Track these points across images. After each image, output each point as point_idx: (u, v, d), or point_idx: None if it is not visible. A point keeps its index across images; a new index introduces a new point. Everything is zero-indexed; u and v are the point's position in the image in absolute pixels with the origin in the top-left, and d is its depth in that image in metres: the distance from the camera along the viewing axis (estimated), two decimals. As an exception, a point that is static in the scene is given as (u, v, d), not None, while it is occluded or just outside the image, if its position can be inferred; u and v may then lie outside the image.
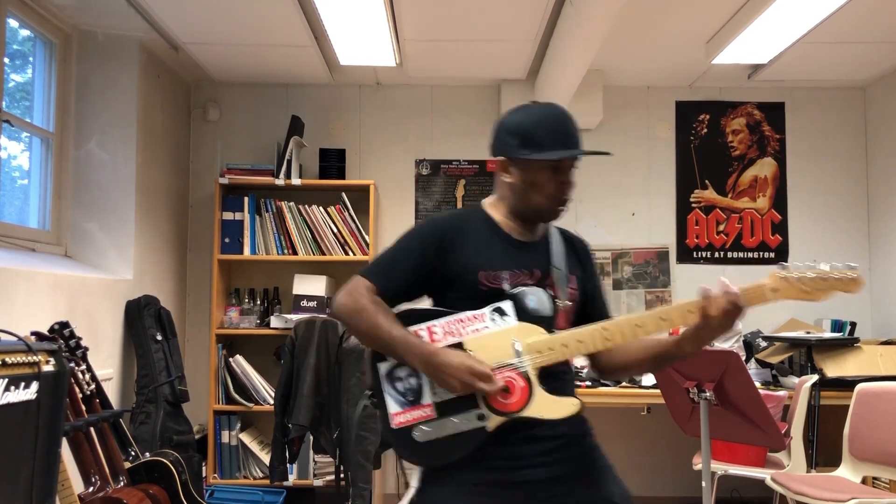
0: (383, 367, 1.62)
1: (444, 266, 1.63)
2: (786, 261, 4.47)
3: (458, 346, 1.58)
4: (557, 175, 1.65)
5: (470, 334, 1.59)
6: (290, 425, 3.34)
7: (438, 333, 1.60)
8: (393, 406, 1.59)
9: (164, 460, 2.70)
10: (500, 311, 1.60)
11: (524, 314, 1.60)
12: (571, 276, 1.71)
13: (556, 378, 1.60)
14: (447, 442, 1.56)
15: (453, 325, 1.60)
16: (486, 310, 1.59)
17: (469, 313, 1.59)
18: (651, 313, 1.57)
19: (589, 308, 1.77)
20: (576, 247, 1.81)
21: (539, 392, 1.56)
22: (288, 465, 3.49)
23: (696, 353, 1.62)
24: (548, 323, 1.61)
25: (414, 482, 1.63)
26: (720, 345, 3.84)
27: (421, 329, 1.60)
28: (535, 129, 1.64)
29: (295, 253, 4.16)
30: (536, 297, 1.62)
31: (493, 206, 1.75)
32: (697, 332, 1.56)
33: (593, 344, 1.59)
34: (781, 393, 3.47)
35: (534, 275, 1.65)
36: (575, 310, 1.71)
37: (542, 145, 1.63)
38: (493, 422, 1.55)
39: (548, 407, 1.56)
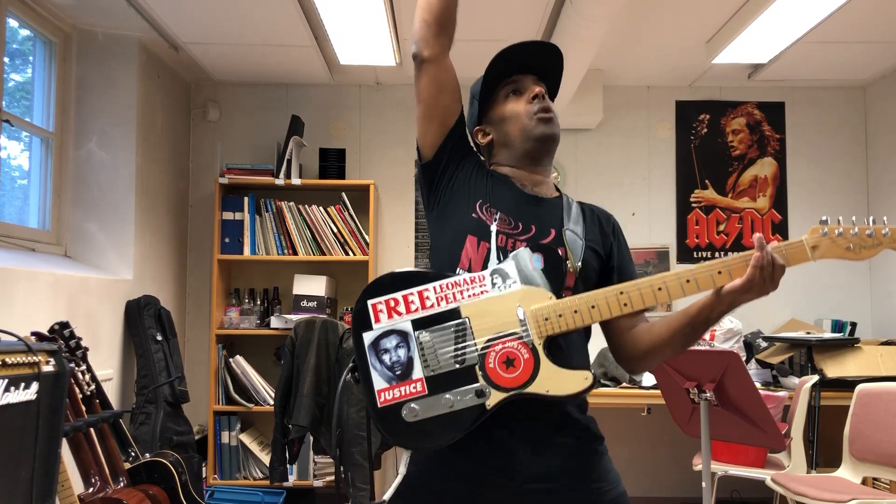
0: (367, 337, 1.42)
1: (458, 166, 1.57)
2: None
3: (454, 312, 1.40)
4: (519, 97, 1.58)
5: (467, 299, 1.41)
6: (290, 426, 3.34)
7: (431, 299, 1.42)
8: (379, 381, 1.40)
9: (164, 461, 2.70)
10: (503, 274, 1.41)
11: (529, 278, 1.41)
12: (585, 244, 1.54)
13: (567, 350, 1.44)
14: (439, 421, 1.37)
15: (448, 289, 1.42)
16: (486, 272, 1.42)
17: (467, 276, 1.42)
18: (673, 275, 1.41)
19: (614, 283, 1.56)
20: (597, 215, 1.64)
21: (546, 365, 1.37)
22: (288, 465, 3.49)
23: (721, 315, 1.43)
24: (556, 287, 1.41)
25: (402, 468, 1.45)
26: (720, 345, 3.85)
27: (411, 294, 1.42)
28: (479, 80, 1.62)
29: (295, 253, 4.16)
30: (541, 257, 1.42)
31: (499, 168, 1.65)
32: (733, 294, 1.38)
33: (608, 309, 1.41)
34: (782, 393, 3.47)
35: (529, 230, 1.50)
36: (589, 281, 1.53)
37: (483, 81, 1.60)
38: (494, 398, 1.36)
39: (555, 381, 1.36)
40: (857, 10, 3.32)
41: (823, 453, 3.54)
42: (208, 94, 4.49)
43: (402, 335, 1.42)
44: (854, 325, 4.17)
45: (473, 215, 1.50)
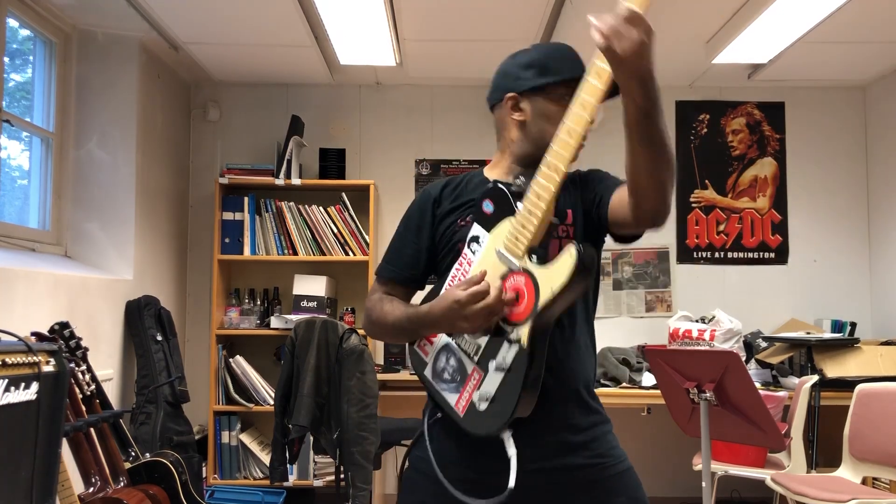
0: (429, 372, 1.51)
1: (437, 226, 1.58)
2: (786, 262, 4.47)
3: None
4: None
5: (463, 276, 1.47)
6: (290, 426, 3.34)
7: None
8: (451, 397, 1.45)
9: (165, 461, 2.70)
10: (475, 239, 1.46)
11: (489, 222, 1.45)
12: (567, 211, 1.54)
13: (547, 251, 1.42)
14: (502, 392, 1.38)
15: (450, 283, 1.50)
16: (464, 248, 1.48)
17: (456, 264, 1.49)
18: (573, 102, 1.42)
19: (607, 198, 1.54)
20: (576, 182, 1.61)
21: (537, 272, 1.36)
22: (288, 465, 3.48)
23: (645, 96, 1.36)
24: (509, 212, 1.42)
25: (511, 450, 1.39)
26: (720, 345, 3.85)
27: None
28: (549, 59, 1.55)
29: (295, 253, 4.16)
30: (490, 200, 1.45)
31: (492, 167, 1.64)
32: (617, 75, 1.35)
33: (560, 160, 1.38)
34: (781, 393, 3.47)
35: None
36: (577, 232, 1.54)
37: (561, 71, 1.52)
38: (522, 334, 1.36)
39: (550, 278, 1.34)
40: (857, 10, 3.32)
41: (823, 453, 3.54)
42: (208, 94, 4.49)
43: (446, 348, 1.50)
44: (854, 325, 4.17)
45: (456, 230, 1.55)
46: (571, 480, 1.48)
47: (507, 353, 1.38)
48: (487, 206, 1.46)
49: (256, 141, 4.47)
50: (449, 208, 1.59)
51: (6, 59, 3.11)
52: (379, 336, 1.65)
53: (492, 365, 1.40)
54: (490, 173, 1.63)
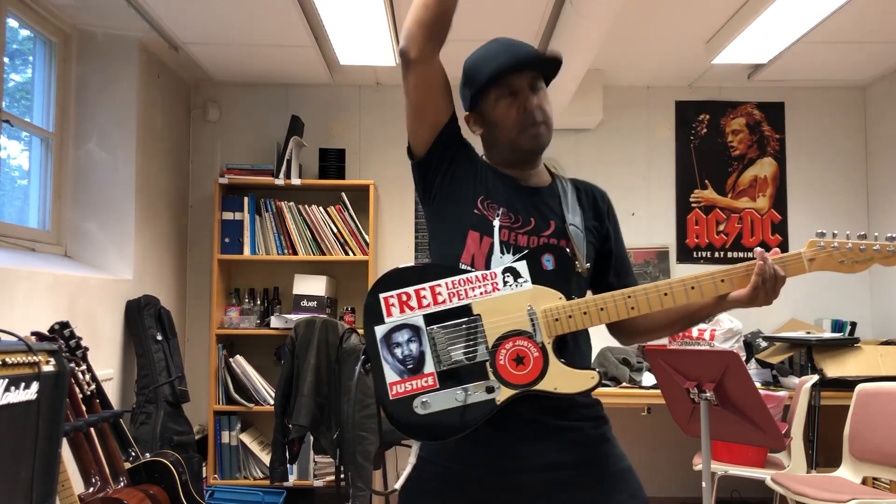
0: (379, 331, 1.46)
1: (453, 163, 1.55)
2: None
3: (466, 308, 1.44)
4: (513, 98, 1.52)
5: (479, 297, 1.44)
6: (290, 425, 3.34)
7: (443, 294, 1.45)
8: (391, 374, 1.43)
9: (165, 461, 2.70)
10: (514, 273, 1.45)
11: (540, 276, 1.45)
12: (585, 233, 1.57)
13: (573, 349, 1.49)
14: (449, 415, 1.41)
15: (460, 285, 1.45)
16: (499, 269, 1.45)
17: (479, 273, 1.45)
18: (679, 281, 1.48)
19: (611, 274, 1.63)
20: (592, 194, 1.65)
21: (554, 363, 1.42)
22: (288, 465, 3.48)
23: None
24: (566, 287, 1.46)
25: (412, 458, 1.48)
26: (720, 345, 3.85)
27: (423, 289, 1.45)
28: (473, 67, 1.55)
29: (295, 253, 4.16)
30: (553, 258, 1.46)
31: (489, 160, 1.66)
32: (737, 303, 1.50)
33: (616, 312, 1.46)
34: (782, 393, 3.47)
35: (529, 223, 1.51)
36: (592, 273, 1.58)
37: (478, 80, 1.53)
38: (503, 394, 1.41)
39: (563, 379, 1.41)
40: (857, 10, 3.32)
41: (823, 453, 3.54)
42: (208, 95, 4.49)
43: (415, 329, 1.45)
44: (854, 325, 4.17)
45: (476, 211, 1.52)
46: (571, 478, 1.48)
47: (476, 394, 1.41)
48: (548, 263, 1.46)
49: (256, 141, 4.47)
50: (473, 177, 1.56)
51: (6, 59, 3.11)
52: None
53: (456, 389, 1.41)
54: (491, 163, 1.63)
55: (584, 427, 1.52)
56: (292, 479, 3.99)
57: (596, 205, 1.64)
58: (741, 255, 4.48)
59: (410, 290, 1.46)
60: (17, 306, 2.66)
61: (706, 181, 4.53)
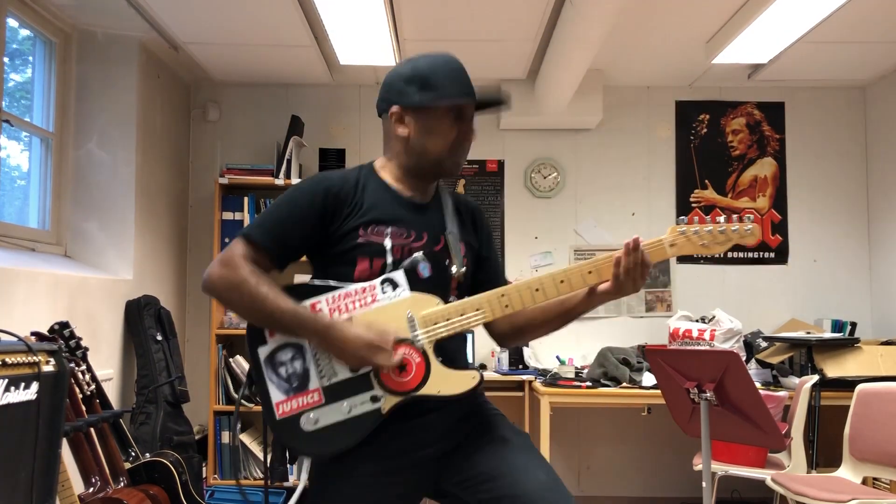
0: (263, 352, 1.47)
1: (329, 219, 1.52)
2: (786, 262, 4.47)
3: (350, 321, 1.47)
4: (459, 123, 1.56)
5: (360, 309, 1.46)
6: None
7: (324, 310, 1.47)
8: (276, 394, 1.45)
9: (165, 461, 2.70)
10: (392, 283, 1.47)
11: (417, 284, 1.48)
12: (462, 243, 1.61)
13: (453, 351, 1.52)
14: (338, 428, 1.43)
15: (340, 300, 1.47)
16: (377, 281, 1.48)
17: (357, 286, 1.47)
18: (549, 276, 1.52)
19: (482, 274, 1.68)
20: (469, 209, 1.71)
21: (436, 367, 1.45)
22: (288, 465, 3.48)
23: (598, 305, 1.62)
24: (443, 292, 1.50)
25: (303, 475, 1.53)
26: (720, 345, 3.85)
27: (314, 303, 1.48)
28: (433, 75, 1.55)
29: (295, 253, 4.15)
30: (429, 265, 1.49)
31: (383, 168, 1.65)
32: (605, 296, 1.57)
33: (492, 311, 1.50)
34: (782, 393, 3.47)
35: (421, 237, 1.54)
36: (467, 278, 1.62)
37: (442, 89, 1.54)
38: (388, 402, 1.44)
39: (446, 382, 1.45)
40: (857, 10, 3.32)
41: (823, 453, 3.54)
42: (208, 94, 4.49)
43: (297, 347, 1.47)
44: (854, 325, 4.17)
45: (360, 240, 1.51)
46: (464, 433, 1.55)
47: (362, 404, 1.44)
48: (424, 271, 1.49)
49: (256, 141, 4.47)
50: (351, 211, 1.53)
51: (6, 59, 3.11)
52: (232, 307, 1.54)
53: (342, 403, 1.44)
54: (382, 173, 1.64)
55: (465, 406, 1.58)
56: (292, 479, 3.99)
57: (474, 218, 1.71)
58: (741, 254, 4.48)
59: (311, 302, 1.47)
60: (16, 306, 2.66)
61: (706, 181, 4.53)
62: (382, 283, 1.48)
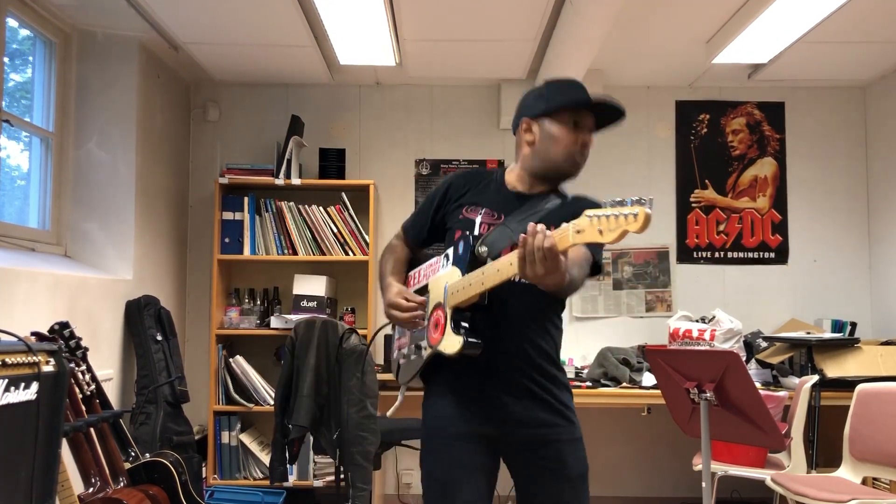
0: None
1: (445, 204, 1.93)
2: (786, 262, 4.47)
3: (426, 286, 1.85)
4: (576, 132, 1.80)
5: (432, 276, 1.84)
6: (290, 426, 3.33)
7: (420, 276, 1.90)
8: (397, 332, 1.99)
9: (164, 461, 2.70)
10: (447, 257, 1.81)
11: (455, 259, 1.78)
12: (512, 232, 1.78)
13: (476, 321, 1.74)
14: (406, 366, 1.89)
15: (427, 269, 1.89)
16: (441, 255, 1.83)
17: (434, 259, 1.87)
18: (500, 262, 1.62)
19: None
20: (580, 206, 1.67)
21: (449, 328, 1.71)
22: (288, 465, 3.48)
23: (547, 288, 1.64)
24: (464, 267, 1.73)
25: (400, 397, 1.95)
26: (720, 345, 3.85)
27: (414, 273, 1.94)
28: (555, 90, 1.84)
29: (295, 253, 4.16)
30: (463, 244, 1.76)
31: (511, 171, 1.93)
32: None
33: (490, 280, 1.65)
34: (782, 393, 3.47)
35: (502, 219, 1.80)
36: None
37: (562, 98, 1.81)
38: (427, 352, 1.79)
39: (448, 342, 1.71)
40: (857, 10, 3.32)
41: (823, 453, 3.54)
42: (208, 94, 4.49)
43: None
44: (854, 325, 4.17)
45: (460, 217, 1.89)
46: (548, 436, 1.82)
47: (416, 351, 1.86)
48: (460, 248, 1.77)
49: (256, 141, 4.47)
50: (462, 197, 1.91)
51: (6, 59, 3.11)
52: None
53: (412, 347, 1.89)
54: (509, 177, 1.93)
55: (555, 396, 1.86)
56: (292, 480, 3.99)
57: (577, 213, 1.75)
58: (741, 255, 4.48)
59: (413, 271, 1.98)
60: (16, 306, 2.66)
61: (706, 181, 4.53)
62: (444, 257, 1.82)
